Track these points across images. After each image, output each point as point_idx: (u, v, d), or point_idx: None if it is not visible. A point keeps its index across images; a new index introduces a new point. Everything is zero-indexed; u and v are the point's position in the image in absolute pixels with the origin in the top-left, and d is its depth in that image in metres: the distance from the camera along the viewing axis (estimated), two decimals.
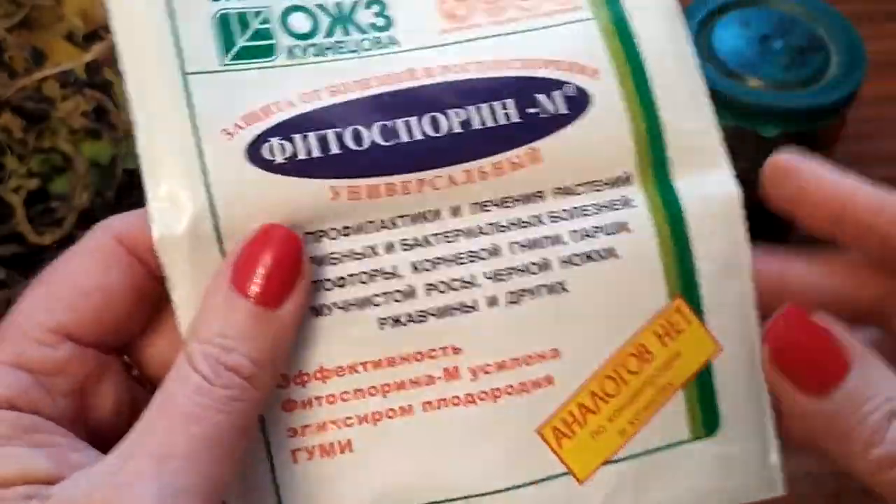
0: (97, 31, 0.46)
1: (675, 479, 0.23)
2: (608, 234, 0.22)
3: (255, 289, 0.20)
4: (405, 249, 0.22)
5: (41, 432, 0.20)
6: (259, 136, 0.21)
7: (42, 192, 0.42)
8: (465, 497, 0.22)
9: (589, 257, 0.22)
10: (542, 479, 0.22)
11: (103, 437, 0.21)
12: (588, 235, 0.22)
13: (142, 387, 0.23)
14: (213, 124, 0.21)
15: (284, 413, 0.22)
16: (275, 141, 0.21)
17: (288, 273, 0.21)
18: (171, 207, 0.21)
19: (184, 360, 0.20)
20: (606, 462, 0.22)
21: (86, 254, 0.22)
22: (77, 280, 0.21)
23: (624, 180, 0.23)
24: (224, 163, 0.21)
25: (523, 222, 0.22)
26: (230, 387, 0.20)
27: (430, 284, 0.21)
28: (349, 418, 0.22)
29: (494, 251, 0.22)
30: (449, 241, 0.22)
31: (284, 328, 0.21)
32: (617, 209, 0.22)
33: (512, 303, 0.22)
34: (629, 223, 0.22)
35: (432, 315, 0.22)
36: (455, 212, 0.22)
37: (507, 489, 0.22)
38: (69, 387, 0.21)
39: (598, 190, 0.22)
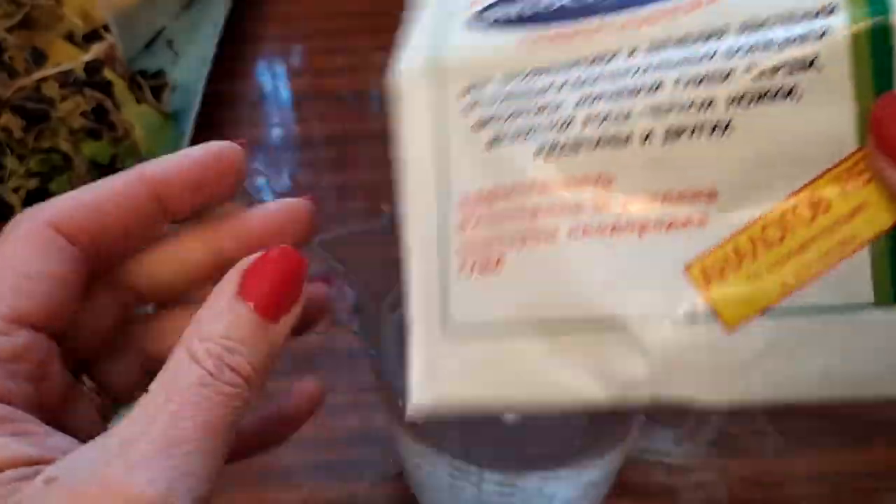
0: (97, 31, 0.46)
1: (847, 347, 0.20)
2: (792, 72, 0.20)
3: (260, 300, 0.22)
4: (574, 88, 0.22)
5: (14, 421, 0.21)
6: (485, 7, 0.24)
7: (42, 191, 0.42)
8: (603, 318, 0.21)
9: (763, 96, 0.20)
10: (687, 319, 0.20)
11: (52, 423, 0.22)
12: (766, 72, 0.20)
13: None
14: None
15: (454, 232, 0.23)
16: (496, 8, 0.24)
17: (290, 292, 0.23)
18: (413, 54, 0.23)
19: (185, 355, 0.21)
20: (762, 312, 0.20)
21: (20, 241, 0.23)
22: (20, 267, 0.22)
23: (829, 11, 0.20)
24: (452, 27, 0.24)
25: (694, 59, 0.21)
26: (233, 384, 0.21)
27: (589, 116, 0.21)
28: (501, 238, 0.22)
29: (657, 86, 0.21)
30: (616, 79, 0.21)
31: (278, 340, 0.22)
32: (809, 44, 0.20)
33: (669, 139, 0.21)
34: (820, 59, 0.20)
35: (586, 145, 0.22)
36: (631, 52, 0.21)
37: (644, 315, 0.21)
38: (28, 373, 0.22)
39: (793, 22, 0.20)
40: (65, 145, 0.42)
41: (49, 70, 0.44)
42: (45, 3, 0.46)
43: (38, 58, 0.44)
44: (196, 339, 0.21)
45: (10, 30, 0.44)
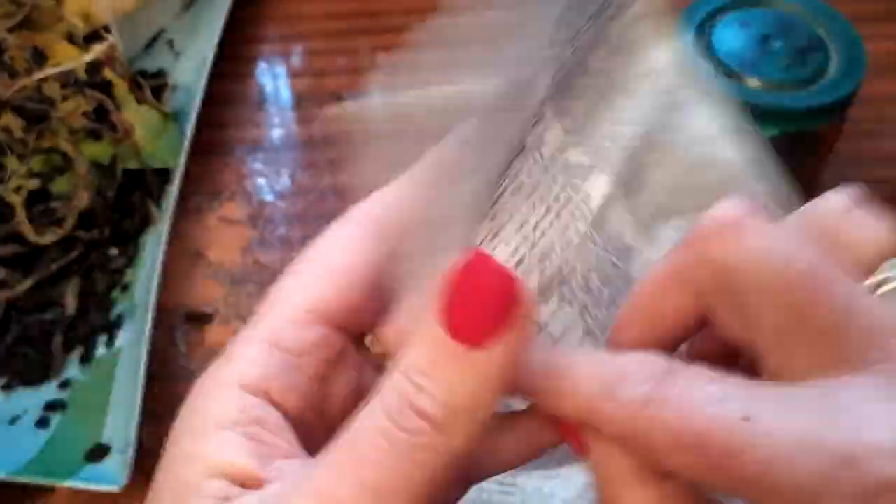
0: (97, 32, 0.46)
1: None
2: None
3: (456, 320, 0.17)
4: None
5: (264, 425, 0.19)
6: None
7: (42, 192, 0.42)
8: None
9: None
10: None
11: (335, 426, 0.19)
12: None
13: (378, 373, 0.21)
14: None
15: None
16: None
17: (494, 309, 0.17)
18: None
19: (377, 399, 0.18)
20: None
21: (344, 235, 0.21)
22: (328, 259, 0.21)
23: None
24: None
25: None
26: (418, 433, 0.17)
27: None
28: None
29: None
30: None
31: (486, 374, 0.17)
32: None
33: None
34: None
35: None
36: None
37: None
38: (314, 370, 0.20)
39: None
40: (65, 145, 0.42)
41: (50, 70, 0.44)
42: (45, 4, 0.46)
43: (39, 58, 0.44)
44: (396, 371, 0.18)
45: (10, 30, 0.45)
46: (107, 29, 0.46)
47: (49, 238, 0.42)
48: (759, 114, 0.40)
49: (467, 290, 0.17)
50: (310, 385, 0.20)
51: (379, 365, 0.22)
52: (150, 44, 0.50)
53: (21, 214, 0.41)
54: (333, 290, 0.20)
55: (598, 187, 0.23)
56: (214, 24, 0.48)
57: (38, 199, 0.42)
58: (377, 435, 0.17)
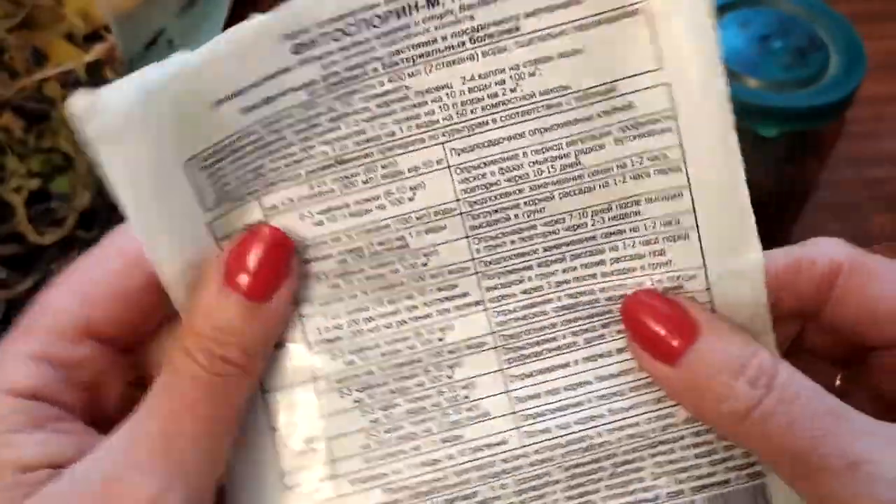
0: (97, 31, 0.46)
1: None
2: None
3: (245, 284, 0.21)
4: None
5: (62, 421, 0.21)
6: None
7: (43, 192, 0.42)
8: None
9: None
10: None
11: (106, 431, 0.22)
12: None
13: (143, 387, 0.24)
14: None
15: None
16: None
17: (277, 269, 0.22)
18: None
19: (180, 352, 0.21)
20: None
21: (110, 255, 0.23)
22: (102, 280, 0.23)
23: None
24: None
25: None
26: (227, 375, 0.21)
27: None
28: None
29: None
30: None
31: (273, 319, 0.22)
32: None
33: None
34: None
35: None
36: None
37: None
38: (86, 381, 0.22)
39: None
40: (66, 145, 0.43)
41: (50, 70, 0.44)
42: (45, 4, 0.46)
43: (39, 58, 0.44)
44: (188, 334, 0.22)
45: (10, 30, 0.44)
46: (107, 29, 0.46)
47: (49, 238, 0.42)
48: (758, 114, 0.40)
49: (255, 257, 0.22)
50: (82, 394, 0.22)
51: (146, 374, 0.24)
52: (150, 44, 0.50)
53: (21, 214, 0.41)
54: (102, 307, 0.22)
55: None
56: (214, 24, 0.48)
57: (38, 199, 0.42)
58: (194, 382, 0.21)
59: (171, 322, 0.23)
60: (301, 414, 0.23)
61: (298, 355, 0.23)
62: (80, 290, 0.23)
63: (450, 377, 0.23)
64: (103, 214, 0.43)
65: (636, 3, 0.21)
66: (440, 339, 0.23)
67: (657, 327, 0.22)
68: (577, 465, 0.23)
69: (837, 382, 0.24)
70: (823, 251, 0.22)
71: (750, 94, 0.40)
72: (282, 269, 0.22)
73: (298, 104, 0.22)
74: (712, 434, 0.23)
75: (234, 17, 0.51)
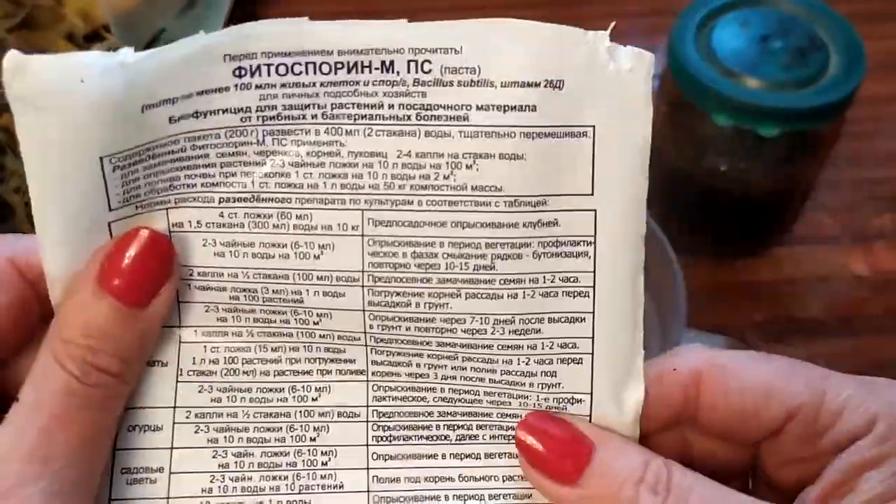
0: (97, 32, 0.46)
1: None
2: None
3: (122, 287, 0.20)
4: None
5: None
6: None
7: None
8: None
9: None
10: None
11: None
12: None
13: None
14: None
15: None
16: None
17: (156, 273, 0.21)
18: None
19: (50, 359, 0.20)
20: None
21: None
22: None
23: None
24: None
25: None
26: (102, 385, 0.20)
27: None
28: None
29: None
30: None
31: (151, 324, 0.21)
32: None
33: None
34: None
35: None
36: None
37: None
38: None
39: None
40: None
41: None
42: (45, 4, 0.46)
43: None
44: (58, 339, 0.20)
45: (10, 30, 0.45)
46: (107, 28, 0.46)
47: None
48: (758, 114, 0.40)
49: (132, 260, 0.20)
50: None
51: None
52: (150, 44, 0.50)
53: (21, 214, 0.41)
54: None
55: None
56: (214, 24, 0.48)
57: None
58: (67, 395, 0.19)
59: (40, 337, 0.22)
60: (150, 440, 0.22)
61: (165, 378, 0.22)
62: None
63: (313, 440, 0.23)
64: None
65: (587, 126, 0.21)
66: (314, 399, 0.23)
67: (553, 449, 0.22)
68: None
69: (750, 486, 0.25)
70: (683, 359, 0.22)
71: (750, 94, 0.40)
72: (160, 274, 0.21)
73: (227, 127, 0.21)
74: None
75: (234, 18, 0.51)
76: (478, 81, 0.21)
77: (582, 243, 0.22)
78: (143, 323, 0.21)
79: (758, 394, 0.21)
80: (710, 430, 0.23)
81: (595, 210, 0.22)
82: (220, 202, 0.22)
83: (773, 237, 0.47)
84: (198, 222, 0.22)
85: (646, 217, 0.22)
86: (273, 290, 0.22)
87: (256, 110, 0.21)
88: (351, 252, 0.22)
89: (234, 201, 0.22)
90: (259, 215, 0.22)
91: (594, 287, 0.22)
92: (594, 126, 0.21)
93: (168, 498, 0.22)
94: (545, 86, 0.21)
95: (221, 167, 0.22)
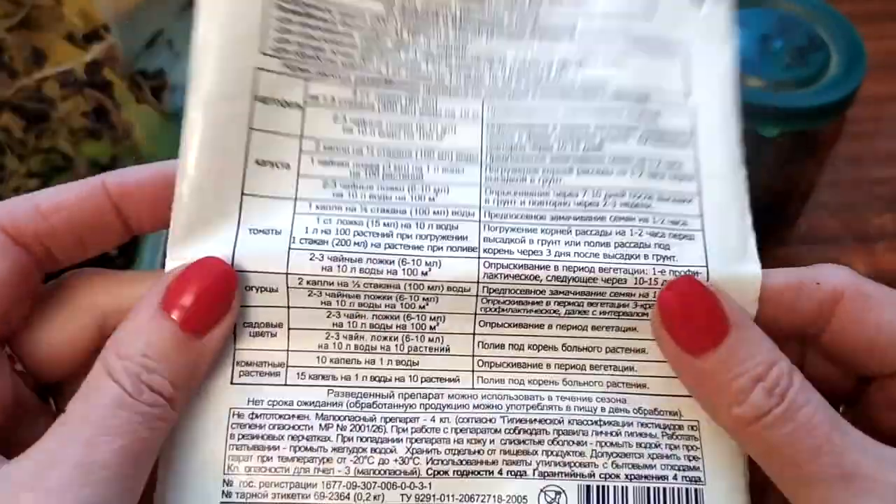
0: (97, 31, 0.46)
1: None
2: None
3: (184, 314, 0.21)
4: None
5: None
6: None
7: None
8: None
9: None
10: None
11: (3, 433, 0.21)
12: None
13: (23, 380, 0.23)
14: None
15: None
16: None
17: (218, 304, 0.21)
18: None
19: (103, 373, 0.20)
20: None
21: None
22: None
23: None
24: None
25: None
26: (153, 405, 0.20)
27: None
28: None
29: None
30: None
31: (204, 356, 0.22)
32: None
33: None
34: None
35: None
36: None
37: None
38: None
39: None
40: (65, 145, 0.42)
41: (49, 70, 0.44)
42: (45, 3, 0.46)
43: (39, 58, 0.44)
44: (114, 355, 0.20)
45: (10, 30, 0.44)
46: (106, 29, 0.46)
47: None
48: (759, 114, 0.39)
49: (196, 288, 0.21)
50: None
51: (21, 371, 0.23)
52: (150, 44, 0.50)
53: None
54: None
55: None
56: None
57: None
58: (116, 407, 0.20)
59: (42, 311, 0.22)
60: (267, 299, 0.23)
61: (277, 245, 0.23)
62: None
63: (422, 307, 0.23)
64: None
65: (684, 36, 0.25)
66: (424, 273, 0.23)
67: (692, 318, 0.22)
68: (521, 420, 0.23)
69: None
70: (826, 276, 0.22)
71: (750, 94, 0.40)
72: (221, 307, 0.22)
73: (374, 14, 0.24)
74: (659, 430, 0.23)
75: None
76: (585, 1, 0.25)
77: (683, 136, 0.24)
78: (198, 352, 0.21)
79: (893, 332, 0.21)
80: (830, 353, 0.23)
81: (696, 106, 0.24)
82: (355, 82, 0.24)
83: (774, 237, 0.47)
84: (332, 98, 0.24)
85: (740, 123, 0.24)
86: (394, 167, 0.24)
87: (399, 6, 0.24)
88: (471, 134, 0.24)
89: (369, 83, 0.24)
90: (389, 98, 0.24)
91: (698, 173, 0.24)
92: (692, 35, 0.25)
93: (288, 350, 0.23)
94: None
95: (361, 51, 0.24)
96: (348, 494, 0.23)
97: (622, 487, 0.23)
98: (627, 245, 0.23)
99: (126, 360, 0.20)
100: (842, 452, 0.19)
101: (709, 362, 0.21)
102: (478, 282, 0.23)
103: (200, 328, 0.21)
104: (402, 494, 0.23)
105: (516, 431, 0.23)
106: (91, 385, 0.20)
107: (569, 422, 0.23)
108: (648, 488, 0.23)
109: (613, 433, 0.23)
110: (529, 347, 0.24)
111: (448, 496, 0.23)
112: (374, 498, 0.23)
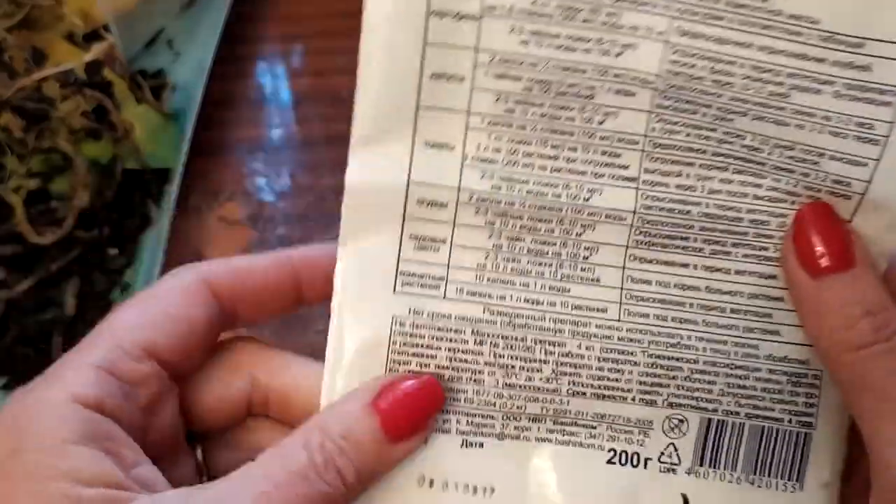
0: (97, 31, 0.46)
1: None
2: None
3: (389, 418, 0.22)
4: None
5: (113, 440, 0.21)
6: None
7: (42, 192, 0.42)
8: None
9: None
10: None
11: (155, 455, 0.23)
12: None
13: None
14: None
15: None
16: None
17: (420, 421, 0.23)
18: None
19: (300, 439, 0.22)
20: None
21: (176, 287, 0.24)
22: (168, 308, 0.24)
23: None
24: None
25: None
26: (332, 486, 0.22)
27: None
28: None
29: None
30: None
31: (391, 461, 0.23)
32: None
33: None
34: None
35: None
36: None
37: None
38: (144, 401, 0.23)
39: None
40: (65, 145, 0.42)
41: (49, 70, 0.44)
42: (45, 3, 0.46)
43: (39, 58, 0.44)
44: (316, 429, 0.22)
45: (10, 30, 0.45)
46: (106, 28, 0.46)
47: (49, 238, 0.42)
48: None
49: (410, 400, 0.23)
50: (138, 413, 0.23)
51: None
52: (150, 44, 0.50)
53: (21, 214, 0.41)
54: (169, 335, 0.23)
55: None
56: (214, 23, 0.48)
57: (38, 199, 0.42)
58: (302, 476, 0.21)
59: (227, 377, 0.25)
60: (435, 214, 0.24)
61: (450, 161, 0.24)
62: (144, 312, 0.23)
63: (579, 235, 0.24)
64: (103, 214, 0.43)
65: None
66: (585, 199, 0.24)
67: (822, 240, 0.23)
68: (659, 356, 0.24)
69: None
70: None
71: None
72: (422, 421, 0.23)
73: None
74: (786, 377, 0.24)
75: (234, 17, 0.51)
76: None
77: (889, 93, 0.22)
78: (387, 455, 0.23)
79: None
80: None
81: None
82: None
83: None
84: (510, 8, 0.23)
85: None
86: (568, 84, 0.23)
87: None
88: (651, 55, 0.23)
89: None
90: (571, 7, 0.22)
91: (888, 138, 0.23)
92: None
93: (448, 266, 0.24)
94: None
95: None
96: (494, 403, 0.24)
97: (740, 424, 0.25)
98: (779, 191, 0.23)
99: (324, 438, 0.22)
100: None
101: (826, 285, 0.22)
102: (634, 211, 0.24)
103: (396, 436, 0.23)
104: (542, 407, 0.25)
105: (654, 366, 0.24)
106: (285, 447, 0.22)
107: (703, 362, 0.24)
108: (763, 427, 0.25)
109: (743, 377, 0.24)
110: (675, 286, 0.24)
111: (582, 413, 0.25)
112: (517, 408, 0.25)
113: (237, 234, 0.46)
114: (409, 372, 0.24)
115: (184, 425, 0.25)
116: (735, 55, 0.22)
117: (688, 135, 0.23)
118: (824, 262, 0.22)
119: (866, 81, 0.22)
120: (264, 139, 0.50)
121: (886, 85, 0.22)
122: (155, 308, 0.24)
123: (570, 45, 0.23)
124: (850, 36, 0.22)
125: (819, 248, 0.22)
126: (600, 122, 0.23)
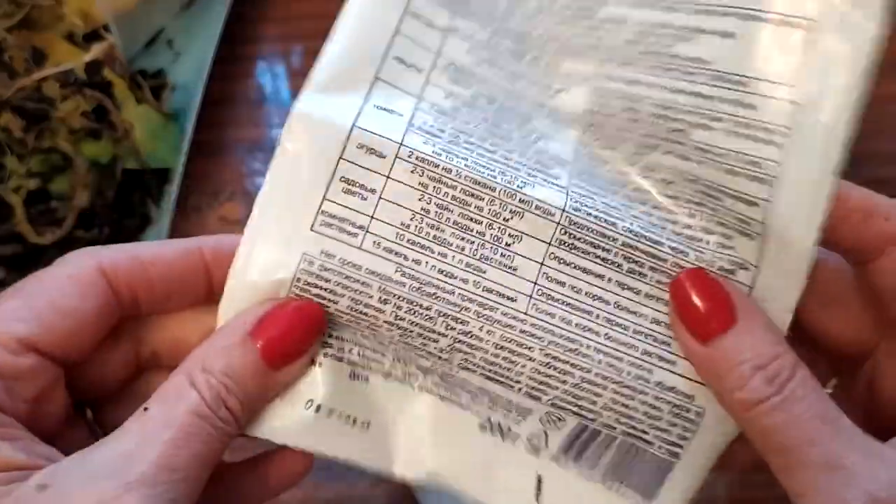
0: (97, 31, 0.46)
1: None
2: None
3: (268, 346, 0.23)
4: None
5: (5, 426, 0.21)
6: None
7: (42, 192, 0.42)
8: None
9: None
10: None
11: (48, 436, 0.22)
12: None
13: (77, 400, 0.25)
14: None
15: None
16: None
17: (300, 344, 0.23)
18: None
19: (185, 382, 0.22)
20: None
21: (67, 276, 0.23)
22: (56, 299, 0.23)
23: None
24: None
25: None
26: (226, 422, 0.22)
27: None
28: None
29: None
30: None
31: (275, 387, 0.23)
32: None
33: None
34: None
35: None
36: None
37: None
38: (31, 394, 0.22)
39: None
40: (65, 145, 0.42)
41: (49, 70, 0.44)
42: (45, 3, 0.46)
43: (39, 58, 0.44)
44: (199, 367, 0.22)
45: (10, 30, 0.44)
46: (106, 28, 0.46)
47: (49, 238, 0.42)
48: None
49: (286, 326, 0.23)
50: (24, 406, 0.22)
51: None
52: (150, 43, 0.50)
53: (21, 214, 0.41)
54: (51, 327, 0.22)
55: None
56: (214, 23, 0.48)
57: (38, 199, 0.42)
58: (196, 416, 0.21)
59: (111, 346, 0.24)
60: (371, 163, 0.24)
61: (396, 124, 0.25)
62: (26, 303, 0.23)
63: (506, 220, 0.24)
64: (103, 214, 0.43)
65: (802, 19, 0.23)
66: (519, 187, 0.24)
67: (700, 306, 0.23)
68: (555, 358, 0.24)
69: (829, 390, 0.25)
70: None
71: None
72: (302, 348, 0.23)
73: None
74: (668, 406, 0.24)
75: (234, 17, 0.51)
76: None
77: (774, 132, 0.24)
78: (270, 382, 0.23)
79: None
80: (871, 283, 0.24)
81: (797, 104, 0.24)
82: (493, 32, 0.26)
83: None
84: (471, 36, 0.26)
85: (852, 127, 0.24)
86: (509, 106, 0.26)
87: None
88: (579, 97, 0.26)
89: (503, 34, 0.26)
90: (520, 51, 0.26)
91: (776, 178, 0.24)
92: (815, 20, 0.24)
93: (372, 217, 0.24)
94: None
95: (504, 9, 0.26)
96: (387, 345, 0.25)
97: (612, 437, 0.25)
98: (695, 228, 0.24)
99: (210, 375, 0.22)
100: (830, 444, 0.21)
101: (713, 350, 0.22)
102: (563, 209, 0.24)
103: (278, 363, 0.23)
104: (433, 364, 0.25)
105: (547, 366, 0.25)
106: (172, 391, 0.22)
107: (595, 374, 0.25)
108: (633, 445, 0.25)
109: (629, 396, 0.25)
110: (586, 294, 0.25)
111: (467, 382, 0.25)
112: (409, 358, 0.25)
113: (237, 234, 0.46)
114: None
115: (71, 398, 0.24)
116: (643, 94, 0.25)
117: (609, 170, 0.25)
118: (708, 325, 0.23)
119: (753, 119, 0.24)
120: (264, 139, 0.50)
121: (771, 124, 0.24)
122: (39, 299, 0.23)
123: (515, 78, 0.26)
124: (735, 74, 0.24)
125: (701, 314, 0.23)
126: (535, 140, 0.25)
